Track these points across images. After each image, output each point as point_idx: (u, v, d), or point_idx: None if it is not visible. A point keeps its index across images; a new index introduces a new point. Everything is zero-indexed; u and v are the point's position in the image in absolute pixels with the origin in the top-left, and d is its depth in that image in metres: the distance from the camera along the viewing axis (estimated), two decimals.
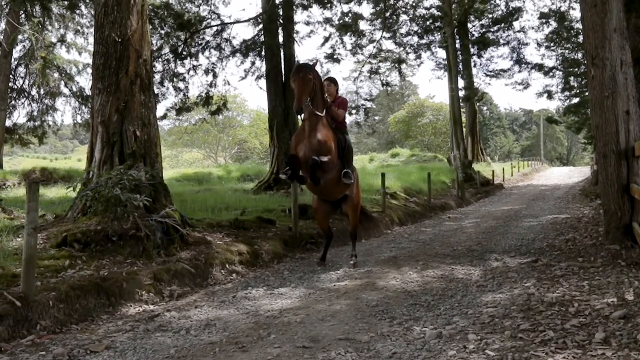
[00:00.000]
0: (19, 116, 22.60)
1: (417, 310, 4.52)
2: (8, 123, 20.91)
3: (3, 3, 18.41)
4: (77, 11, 19.67)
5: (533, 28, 32.11)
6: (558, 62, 26.45)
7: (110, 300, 4.89)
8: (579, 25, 21.35)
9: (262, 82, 18.18)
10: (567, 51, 25.10)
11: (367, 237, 9.52)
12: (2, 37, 19.38)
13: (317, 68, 6.90)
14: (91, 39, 20.36)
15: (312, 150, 6.02)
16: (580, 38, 20.95)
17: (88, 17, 20.50)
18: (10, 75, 20.57)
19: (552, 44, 25.79)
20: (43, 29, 19.29)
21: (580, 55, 22.92)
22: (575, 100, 25.02)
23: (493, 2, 28.70)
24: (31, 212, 4.35)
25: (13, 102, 21.26)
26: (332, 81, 7.00)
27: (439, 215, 13.46)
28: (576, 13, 23.50)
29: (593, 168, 19.62)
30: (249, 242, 7.40)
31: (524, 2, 28.04)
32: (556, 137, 76.66)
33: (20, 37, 19.34)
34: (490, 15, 29.71)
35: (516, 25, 29.28)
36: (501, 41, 30.26)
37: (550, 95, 27.46)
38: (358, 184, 7.16)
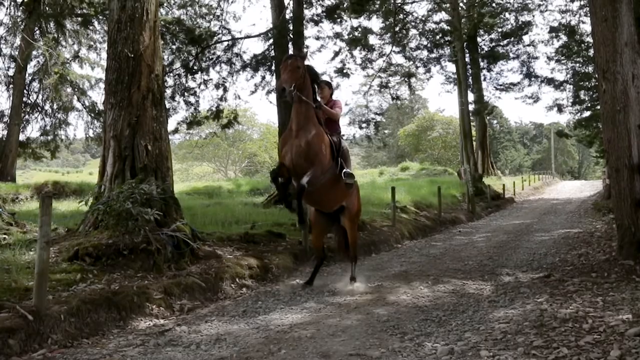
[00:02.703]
0: (32, 130, 22.84)
1: (429, 325, 4.48)
2: (21, 137, 21.12)
3: (18, 20, 18.73)
4: (91, 27, 19.98)
5: (543, 42, 32.16)
6: (568, 75, 26.39)
7: (121, 314, 4.89)
8: (589, 39, 21.30)
9: (272, 97, 18.29)
10: (577, 65, 25.03)
11: (377, 251, 9.48)
12: (17, 52, 19.69)
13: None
14: (104, 54, 20.67)
15: (299, 155, 5.61)
16: (591, 52, 20.87)
17: (101, 33, 20.79)
18: (25, 90, 20.84)
19: (562, 58, 25.74)
20: (57, 45, 19.58)
21: (590, 69, 22.84)
22: (587, 113, 24.87)
23: (502, 16, 28.78)
24: (44, 226, 4.38)
25: (27, 116, 21.50)
26: (326, 84, 6.61)
27: (449, 229, 13.38)
28: (586, 27, 23.49)
29: (605, 182, 19.43)
30: (259, 256, 7.39)
31: (533, 16, 27.98)
32: (567, 151, 76.17)
33: (34, 52, 19.65)
34: (499, 30, 29.78)
35: (526, 39, 29.45)
36: (511, 55, 30.29)
37: (560, 109, 27.35)
38: (358, 195, 6.76)
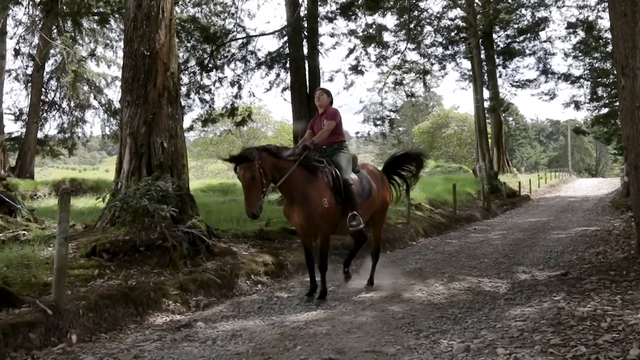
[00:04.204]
0: (50, 128, 23.02)
1: (444, 323, 4.47)
2: (39, 135, 21.40)
3: (37, 19, 18.95)
4: (107, 26, 20.14)
5: (560, 38, 31.50)
6: (586, 72, 26.07)
7: (138, 309, 4.94)
8: (607, 35, 21.04)
9: (287, 94, 18.34)
10: (595, 61, 24.72)
11: (392, 248, 9.46)
12: (35, 51, 19.93)
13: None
14: (120, 53, 20.86)
15: (306, 228, 5.52)
16: (609, 48, 20.63)
17: (117, 31, 20.96)
18: (42, 89, 21.09)
19: (579, 54, 25.43)
20: (74, 43, 19.78)
21: (609, 65, 22.57)
22: (604, 110, 24.59)
23: (519, 12, 28.44)
24: (62, 222, 4.43)
25: (44, 114, 21.78)
26: (325, 91, 6.19)
27: (464, 227, 13.30)
28: (604, 22, 23.21)
29: (623, 179, 19.18)
30: (274, 252, 7.41)
31: (550, 12, 27.63)
32: (584, 148, 75.32)
33: (52, 51, 19.85)
34: (515, 26, 29.42)
35: (542, 35, 28.95)
36: (527, 51, 29.91)
37: (577, 106, 27.03)
38: (386, 190, 6.50)
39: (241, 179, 5.14)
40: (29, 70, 20.68)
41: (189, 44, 17.94)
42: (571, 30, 25.29)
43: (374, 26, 20.38)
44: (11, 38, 19.64)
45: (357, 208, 5.64)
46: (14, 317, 4.05)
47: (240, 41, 18.57)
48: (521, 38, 29.69)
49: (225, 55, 18.67)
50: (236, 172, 5.22)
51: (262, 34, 18.56)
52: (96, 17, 19.25)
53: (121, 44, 18.32)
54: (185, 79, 18.21)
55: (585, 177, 60.72)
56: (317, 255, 5.75)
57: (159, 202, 6.23)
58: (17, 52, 19.97)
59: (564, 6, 26.19)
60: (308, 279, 6.64)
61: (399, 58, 23.40)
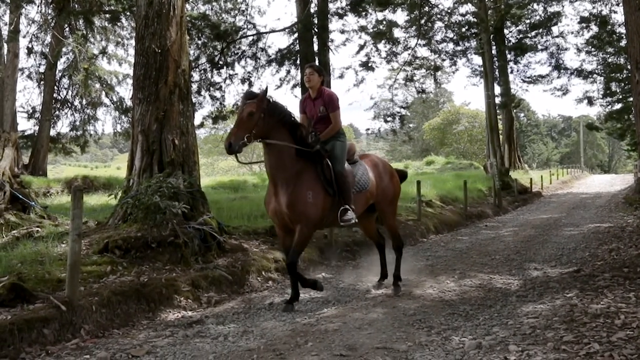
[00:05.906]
0: (63, 126, 23.27)
1: (456, 319, 4.45)
2: (52, 133, 21.58)
3: (49, 17, 19.11)
4: (118, 24, 20.26)
5: (572, 33, 31.51)
6: (599, 67, 25.82)
7: (150, 306, 4.98)
8: (621, 30, 20.84)
9: (297, 91, 18.36)
10: (608, 56, 24.49)
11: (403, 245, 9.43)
12: (47, 50, 20.09)
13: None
14: (131, 51, 20.97)
15: (286, 217, 5.07)
16: (623, 42, 20.42)
17: (128, 29, 21.08)
18: (55, 87, 21.26)
19: (592, 49, 25.19)
20: (86, 42, 19.93)
21: (622, 59, 22.34)
22: (618, 106, 24.37)
23: (530, 7, 28.22)
24: (76, 219, 4.46)
25: (57, 112, 21.97)
26: (315, 69, 5.42)
27: (475, 223, 13.24)
28: (618, 17, 22.96)
29: (637, 175, 19.00)
30: None
31: (563, 6, 27.27)
32: (597, 144, 74.64)
33: (64, 49, 19.99)
34: (527, 21, 29.20)
35: (555, 30, 28.84)
36: (539, 47, 29.67)
37: (590, 102, 26.82)
38: (393, 177, 6.20)
39: (239, 113, 4.97)
40: (42, 69, 20.87)
41: (199, 42, 18.02)
42: (584, 25, 25.07)
43: (384, 22, 20.34)
44: (24, 36, 19.80)
45: (350, 202, 5.20)
46: (29, 313, 4.10)
47: (250, 38, 18.62)
48: (533, 33, 29.45)
49: (235, 52, 18.73)
50: (240, 106, 5.02)
51: (273, 31, 18.59)
52: (107, 15, 19.39)
53: (132, 41, 18.41)
54: (196, 76, 18.29)
55: (598, 173, 60.16)
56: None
57: (170, 199, 6.27)
58: (29, 51, 20.15)
59: (576, 0, 25.98)
60: (319, 275, 6.68)
61: (409, 54, 23.36)
